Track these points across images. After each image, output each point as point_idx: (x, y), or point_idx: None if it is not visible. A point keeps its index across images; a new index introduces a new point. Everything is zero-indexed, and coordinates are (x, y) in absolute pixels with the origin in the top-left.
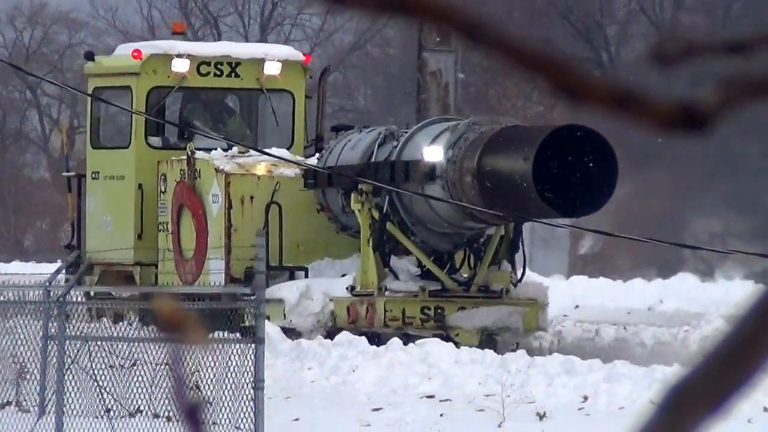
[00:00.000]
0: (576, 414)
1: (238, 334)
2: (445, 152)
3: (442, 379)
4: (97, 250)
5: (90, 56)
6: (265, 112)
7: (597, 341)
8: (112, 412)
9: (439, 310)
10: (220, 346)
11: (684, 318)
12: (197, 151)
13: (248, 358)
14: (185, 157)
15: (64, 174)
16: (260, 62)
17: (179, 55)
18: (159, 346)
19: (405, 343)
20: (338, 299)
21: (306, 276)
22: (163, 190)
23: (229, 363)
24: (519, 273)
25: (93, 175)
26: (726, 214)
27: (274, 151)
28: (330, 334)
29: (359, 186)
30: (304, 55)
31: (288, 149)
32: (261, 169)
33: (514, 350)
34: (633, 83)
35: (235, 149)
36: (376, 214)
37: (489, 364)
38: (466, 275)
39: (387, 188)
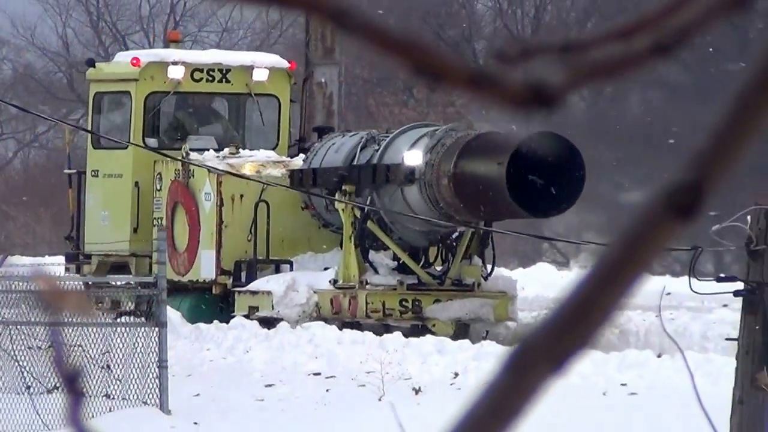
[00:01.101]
0: (448, 389)
1: (143, 319)
2: (424, 156)
3: (327, 358)
4: (94, 242)
5: (91, 63)
6: (252, 115)
7: None
8: (31, 389)
9: (417, 303)
10: (128, 329)
11: (543, 303)
12: (191, 152)
13: (153, 340)
14: (180, 157)
15: (66, 171)
16: (249, 69)
17: (175, 63)
18: (71, 330)
19: (385, 333)
20: (322, 291)
21: (291, 269)
22: (158, 188)
23: (136, 345)
24: (489, 267)
25: (93, 173)
26: (581, 210)
27: (261, 152)
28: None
29: (343, 186)
30: (289, 62)
31: (273, 149)
32: (250, 169)
33: (484, 338)
34: (488, 66)
35: (226, 150)
36: (357, 213)
37: (369, 344)
38: (439, 269)
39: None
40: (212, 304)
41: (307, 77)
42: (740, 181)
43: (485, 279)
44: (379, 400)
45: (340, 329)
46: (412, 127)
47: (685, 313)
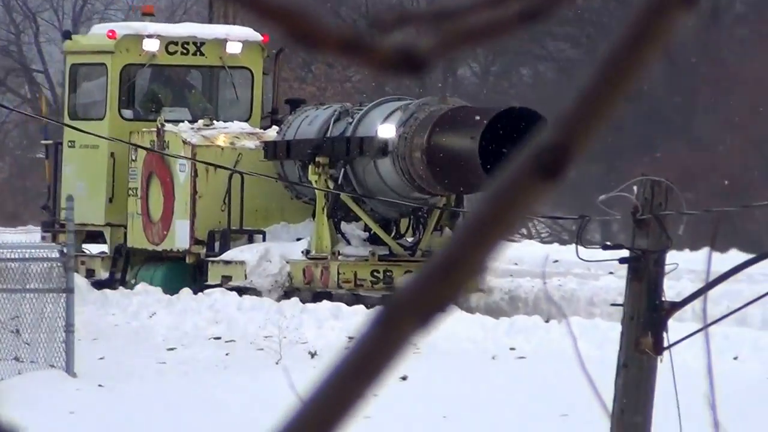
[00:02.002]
0: (343, 353)
1: (51, 285)
2: (397, 129)
3: (227, 323)
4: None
5: (67, 35)
6: (226, 87)
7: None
8: None
9: (388, 273)
10: (36, 295)
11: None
12: (166, 124)
13: (60, 305)
14: (155, 129)
15: (43, 142)
16: (223, 42)
17: (150, 36)
18: None
19: (355, 303)
20: (294, 262)
21: (264, 239)
22: (133, 158)
23: (44, 310)
24: None
25: (69, 144)
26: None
27: (235, 124)
28: (287, 294)
29: (316, 158)
30: (262, 35)
31: (246, 121)
32: (224, 141)
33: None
34: (361, 30)
35: (200, 122)
36: (331, 185)
37: (267, 310)
38: (411, 240)
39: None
40: (186, 273)
41: (280, 51)
42: (629, 154)
43: None
44: (276, 363)
45: (312, 300)
46: (385, 101)
47: (572, 280)
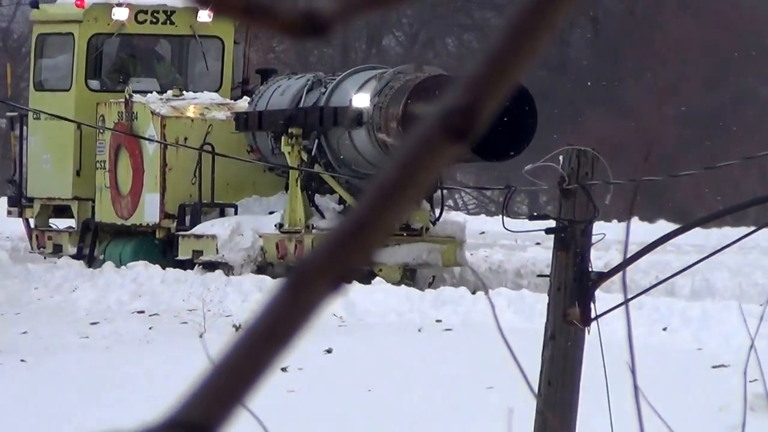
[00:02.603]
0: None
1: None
2: (372, 99)
3: (151, 296)
4: (37, 186)
5: (35, 4)
6: (196, 57)
7: None
8: None
9: None
10: None
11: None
12: (134, 95)
13: None
14: (123, 100)
15: (8, 114)
16: (194, 11)
17: (119, 4)
18: None
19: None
20: (267, 236)
21: (236, 213)
22: (101, 130)
23: None
24: (437, 212)
25: (35, 116)
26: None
27: (205, 94)
28: (260, 269)
29: (289, 129)
30: None
31: (217, 92)
32: (194, 112)
33: (431, 284)
34: None
35: (169, 92)
36: (305, 156)
37: (191, 283)
38: None
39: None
40: (156, 248)
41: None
42: (555, 124)
43: (433, 223)
44: (200, 336)
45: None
46: (358, 70)
47: (499, 251)
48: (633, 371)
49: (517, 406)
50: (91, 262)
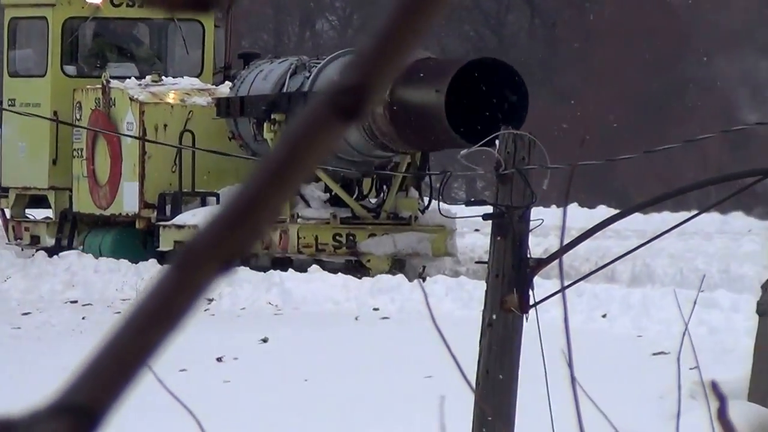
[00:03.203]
0: (203, 315)
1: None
2: None
3: (84, 286)
4: (12, 175)
5: None
6: (175, 41)
7: None
8: None
9: (351, 237)
10: None
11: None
12: (112, 80)
13: None
14: (100, 86)
15: None
16: None
17: None
18: None
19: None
20: None
21: (218, 202)
22: (78, 117)
23: None
24: (426, 200)
25: (9, 103)
26: None
27: (185, 79)
28: (245, 260)
29: (272, 115)
30: None
31: (197, 77)
32: (174, 98)
33: (421, 274)
34: None
35: (148, 78)
36: None
37: (125, 273)
38: (374, 201)
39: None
40: (136, 238)
41: (232, 1)
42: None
43: (422, 212)
44: None
45: (273, 267)
46: (344, 53)
47: None
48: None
49: (455, 395)
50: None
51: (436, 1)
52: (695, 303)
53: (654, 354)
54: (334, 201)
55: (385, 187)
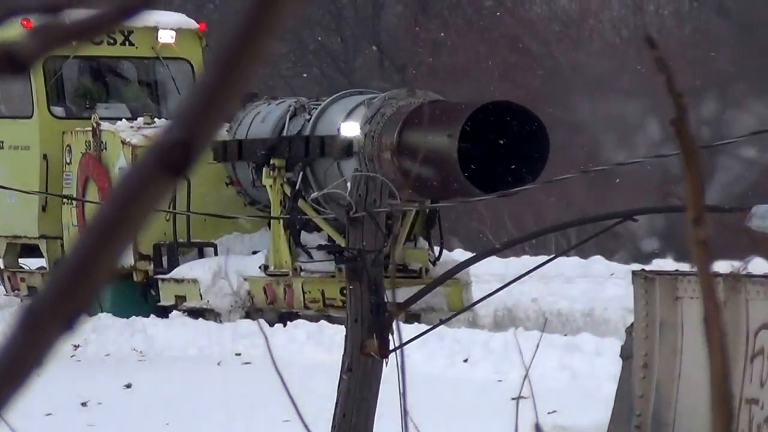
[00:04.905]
0: (68, 360)
1: None
2: (362, 127)
3: None
4: (1, 223)
5: None
6: (166, 80)
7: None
8: None
9: None
10: None
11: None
12: (102, 122)
13: None
14: (90, 128)
15: None
16: (153, 30)
17: None
18: None
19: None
20: (253, 279)
21: (215, 252)
22: (68, 161)
23: None
24: (437, 251)
25: None
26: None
27: None
28: (249, 315)
29: (271, 160)
30: (198, 22)
31: None
32: None
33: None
34: None
35: (140, 120)
36: (288, 190)
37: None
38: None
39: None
40: (136, 292)
41: (208, 37)
42: None
43: (433, 264)
44: None
45: (280, 321)
46: (345, 95)
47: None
48: (403, 409)
49: None
50: None
51: (252, 56)
52: (537, 346)
53: (513, 398)
54: (339, 253)
55: (392, 237)
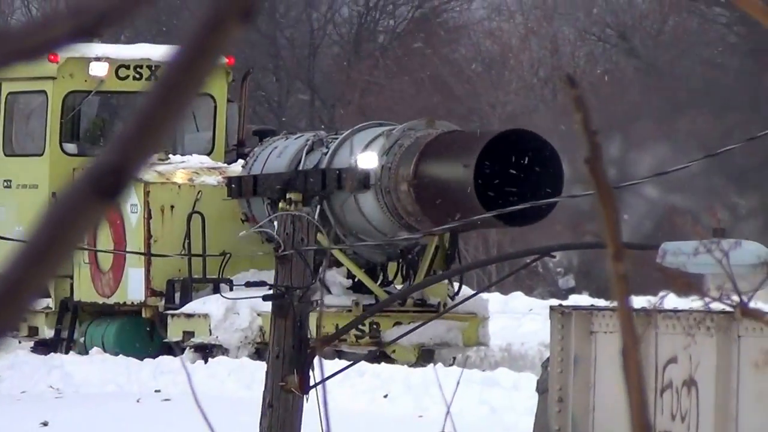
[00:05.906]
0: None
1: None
2: (380, 159)
3: None
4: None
5: None
6: (185, 117)
7: None
8: None
9: (374, 326)
10: None
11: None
12: None
13: None
14: None
15: None
16: None
17: (98, 59)
18: None
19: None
20: (266, 314)
21: (231, 289)
22: None
23: None
24: (456, 286)
25: (5, 184)
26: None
27: (194, 158)
28: (259, 353)
29: (287, 195)
30: (227, 57)
31: (208, 155)
32: (182, 177)
33: (451, 365)
34: None
35: (154, 156)
36: None
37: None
38: (400, 288)
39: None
40: (142, 329)
41: (246, 74)
42: None
43: (452, 299)
44: None
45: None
46: (363, 128)
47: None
48: None
49: None
50: (71, 346)
51: (189, 85)
52: (458, 383)
53: None
54: (357, 287)
55: (411, 272)
